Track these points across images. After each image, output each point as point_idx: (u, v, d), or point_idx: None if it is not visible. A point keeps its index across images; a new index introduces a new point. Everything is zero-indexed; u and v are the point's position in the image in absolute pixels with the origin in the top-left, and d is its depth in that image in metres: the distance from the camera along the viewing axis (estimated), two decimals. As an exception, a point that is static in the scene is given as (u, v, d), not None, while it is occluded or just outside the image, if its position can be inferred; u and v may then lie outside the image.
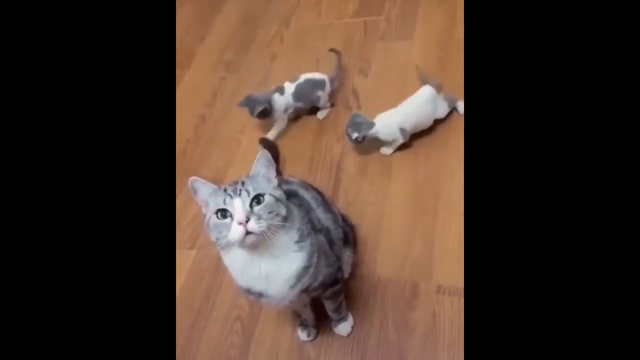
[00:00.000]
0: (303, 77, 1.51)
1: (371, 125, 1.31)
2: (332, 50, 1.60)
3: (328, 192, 1.27)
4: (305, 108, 1.56)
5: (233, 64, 1.86)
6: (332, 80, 1.54)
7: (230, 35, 1.99)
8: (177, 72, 1.91)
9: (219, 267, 1.26)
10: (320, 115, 1.56)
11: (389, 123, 1.32)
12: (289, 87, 1.50)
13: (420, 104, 1.33)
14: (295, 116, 1.58)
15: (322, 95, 1.52)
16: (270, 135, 1.52)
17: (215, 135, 1.63)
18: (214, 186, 0.76)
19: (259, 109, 1.44)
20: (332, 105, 1.58)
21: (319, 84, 1.51)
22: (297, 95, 1.49)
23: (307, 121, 1.57)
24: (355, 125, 1.32)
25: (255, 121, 1.63)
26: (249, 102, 1.47)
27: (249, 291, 0.80)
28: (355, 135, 1.31)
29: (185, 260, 1.31)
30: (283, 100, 1.49)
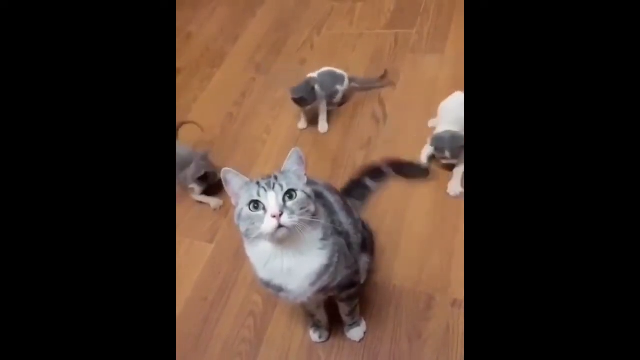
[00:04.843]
0: (324, 69, 1.58)
1: (460, 138, 1.27)
2: (385, 72, 1.65)
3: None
4: (327, 101, 1.59)
5: (263, 65, 1.90)
6: (351, 79, 1.60)
7: (262, 38, 2.04)
8: (208, 70, 1.97)
9: (236, 262, 1.28)
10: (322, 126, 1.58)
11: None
12: (313, 75, 1.56)
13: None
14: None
15: (340, 90, 1.57)
16: (321, 126, 1.56)
17: (241, 133, 1.66)
18: (246, 179, 0.78)
19: (313, 86, 1.48)
20: (342, 103, 1.63)
21: (339, 78, 1.57)
22: (320, 83, 1.54)
23: (332, 126, 1.59)
24: (443, 141, 1.27)
25: (281, 122, 1.67)
26: (300, 90, 1.48)
27: (268, 284, 0.81)
28: (447, 154, 1.27)
29: (203, 252, 1.33)
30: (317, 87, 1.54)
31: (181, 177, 1.41)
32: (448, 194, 1.29)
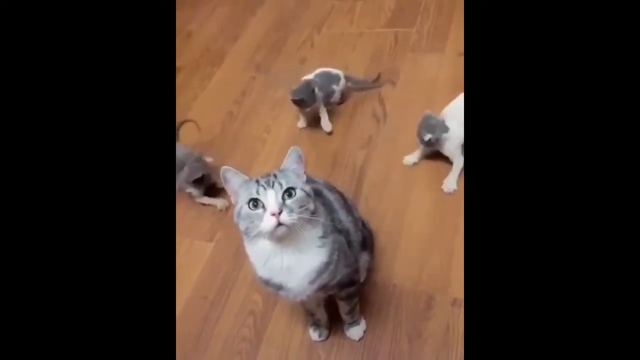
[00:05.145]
0: (319, 70, 1.57)
1: (445, 128, 1.27)
2: (378, 75, 1.67)
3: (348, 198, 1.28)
4: (323, 102, 1.58)
5: (264, 64, 1.90)
6: (347, 78, 1.60)
7: (262, 37, 2.04)
8: (209, 69, 1.97)
9: (236, 261, 1.28)
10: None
11: (459, 132, 1.26)
12: (310, 77, 1.55)
13: None
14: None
15: (337, 90, 1.57)
16: (324, 125, 1.55)
17: (241, 132, 1.66)
18: (246, 177, 0.78)
19: (313, 88, 1.46)
20: (341, 102, 1.63)
21: (335, 78, 1.57)
22: (317, 83, 1.53)
23: (332, 126, 1.58)
24: (428, 126, 1.27)
25: (281, 121, 1.66)
26: (301, 91, 1.47)
27: (268, 282, 0.81)
28: (428, 137, 1.26)
29: (203, 252, 1.33)
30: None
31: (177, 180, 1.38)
32: (442, 190, 1.29)
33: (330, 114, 1.61)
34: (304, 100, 1.47)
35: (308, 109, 1.52)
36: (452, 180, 1.29)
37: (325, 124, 1.55)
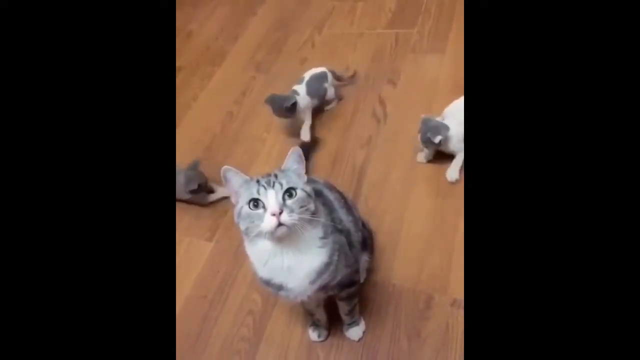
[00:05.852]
0: (307, 75, 1.57)
1: (447, 127, 1.28)
2: (354, 73, 1.71)
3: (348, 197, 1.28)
4: (319, 104, 1.59)
5: (264, 64, 1.90)
6: (332, 72, 1.61)
7: (263, 37, 2.04)
8: (209, 69, 1.96)
9: (235, 261, 1.28)
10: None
11: (459, 130, 1.28)
12: (301, 88, 1.54)
13: None
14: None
15: (328, 87, 1.58)
16: (304, 134, 1.53)
17: (241, 132, 1.66)
18: (246, 177, 0.78)
19: (290, 101, 1.45)
20: (340, 99, 1.64)
21: (322, 77, 1.57)
22: (310, 92, 1.53)
23: (333, 125, 1.59)
24: (432, 128, 1.28)
25: (281, 121, 1.66)
26: (275, 100, 1.48)
27: (268, 283, 0.81)
28: (439, 138, 1.26)
29: (203, 251, 1.33)
30: (303, 101, 1.52)
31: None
32: (446, 178, 1.32)
33: (331, 112, 1.61)
34: (274, 111, 1.48)
35: (289, 119, 1.53)
36: (455, 170, 1.31)
37: (304, 133, 1.53)
